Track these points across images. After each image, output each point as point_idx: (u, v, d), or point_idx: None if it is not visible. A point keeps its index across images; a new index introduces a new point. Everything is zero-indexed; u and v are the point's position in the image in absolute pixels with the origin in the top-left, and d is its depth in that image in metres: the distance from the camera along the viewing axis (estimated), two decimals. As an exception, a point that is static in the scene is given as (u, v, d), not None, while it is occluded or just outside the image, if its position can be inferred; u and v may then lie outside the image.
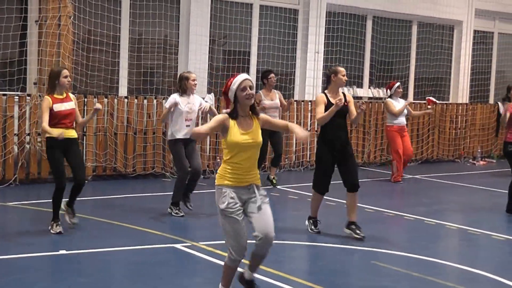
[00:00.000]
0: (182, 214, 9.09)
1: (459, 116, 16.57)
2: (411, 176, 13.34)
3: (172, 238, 7.86)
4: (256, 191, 5.45)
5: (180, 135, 9.02)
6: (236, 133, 5.35)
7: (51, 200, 7.90)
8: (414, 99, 16.00)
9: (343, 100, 7.82)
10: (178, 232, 8.23)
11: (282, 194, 11.00)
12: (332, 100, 7.96)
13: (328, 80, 8.21)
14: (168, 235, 8.02)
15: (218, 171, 5.52)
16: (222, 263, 6.52)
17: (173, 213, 9.14)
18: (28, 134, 10.96)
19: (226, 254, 6.72)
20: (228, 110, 5.52)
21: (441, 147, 16.25)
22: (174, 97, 9.11)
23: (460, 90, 16.95)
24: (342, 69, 8.16)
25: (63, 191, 7.89)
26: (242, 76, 5.44)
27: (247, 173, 5.43)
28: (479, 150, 16.50)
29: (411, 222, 9.32)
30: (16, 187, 10.77)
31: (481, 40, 17.61)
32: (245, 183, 5.42)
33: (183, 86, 9.10)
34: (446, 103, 16.45)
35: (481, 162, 16.18)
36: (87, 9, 11.46)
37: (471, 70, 17.19)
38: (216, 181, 5.48)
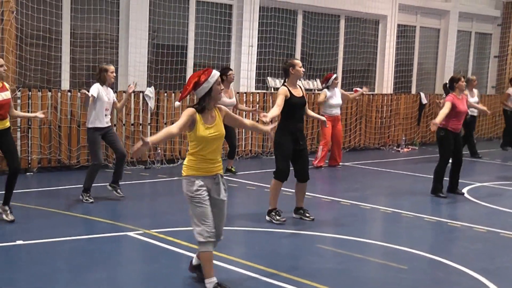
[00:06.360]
0: (92, 201, 9.45)
1: (384, 106, 17.36)
2: (341, 164, 13.98)
3: (124, 227, 8.14)
4: (220, 182, 5.85)
5: (100, 124, 9.43)
6: (202, 127, 5.68)
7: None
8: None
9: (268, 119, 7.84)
10: (128, 221, 8.49)
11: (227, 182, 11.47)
12: (295, 92, 8.46)
13: (287, 73, 8.57)
14: (120, 224, 8.32)
15: (185, 163, 5.83)
16: (176, 249, 7.02)
17: (83, 200, 9.49)
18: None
19: (178, 241, 7.22)
20: (178, 103, 5.84)
21: (368, 136, 17.03)
22: (97, 87, 9.43)
23: (385, 81, 17.75)
24: (298, 62, 8.57)
25: None
26: (217, 72, 5.81)
27: (213, 164, 5.80)
28: (403, 138, 17.34)
29: (348, 207, 9.88)
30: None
31: (404, 33, 18.47)
32: (211, 173, 5.80)
33: (103, 77, 9.43)
34: (372, 94, 17.23)
35: (405, 149, 17.02)
36: (30, 4, 11.62)
37: (395, 62, 17.99)
38: (184, 172, 5.80)
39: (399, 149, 17.05)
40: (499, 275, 6.66)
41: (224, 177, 5.98)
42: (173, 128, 5.65)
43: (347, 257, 7.18)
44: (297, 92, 8.55)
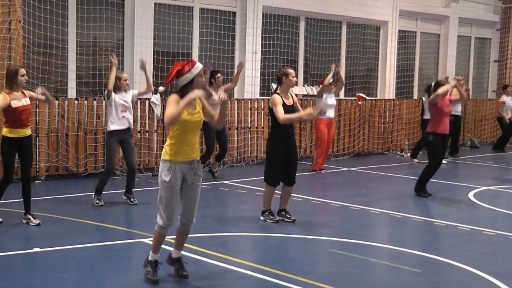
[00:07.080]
0: (102, 204, 9.74)
1: (387, 111, 17.45)
2: (347, 169, 14.15)
3: (137, 233, 8.20)
4: (196, 167, 6.18)
5: (115, 126, 9.73)
6: (186, 111, 6.01)
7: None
8: (345, 96, 16.84)
9: (315, 113, 8.58)
10: (141, 227, 8.53)
11: (230, 189, 11.58)
12: (286, 101, 8.66)
13: (280, 81, 8.81)
14: (133, 231, 8.39)
15: (165, 147, 6.17)
16: (191, 255, 7.10)
17: (94, 202, 9.79)
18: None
19: (193, 247, 7.31)
20: (162, 88, 6.06)
21: (371, 141, 17.11)
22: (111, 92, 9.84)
23: (387, 87, 17.88)
24: (291, 71, 8.79)
25: (8, 185, 8.48)
26: (200, 64, 6.18)
27: (191, 149, 6.14)
28: (406, 143, 17.42)
29: (358, 211, 9.97)
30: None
31: (405, 39, 18.60)
32: (188, 159, 6.12)
33: (117, 85, 9.84)
34: (374, 99, 17.35)
35: (408, 154, 17.00)
36: (36, 14, 11.70)
37: (397, 67, 18.13)
38: (163, 156, 6.16)
39: (403, 153, 17.12)
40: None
41: (201, 166, 6.28)
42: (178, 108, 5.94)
43: (361, 261, 7.26)
44: (288, 101, 8.77)
